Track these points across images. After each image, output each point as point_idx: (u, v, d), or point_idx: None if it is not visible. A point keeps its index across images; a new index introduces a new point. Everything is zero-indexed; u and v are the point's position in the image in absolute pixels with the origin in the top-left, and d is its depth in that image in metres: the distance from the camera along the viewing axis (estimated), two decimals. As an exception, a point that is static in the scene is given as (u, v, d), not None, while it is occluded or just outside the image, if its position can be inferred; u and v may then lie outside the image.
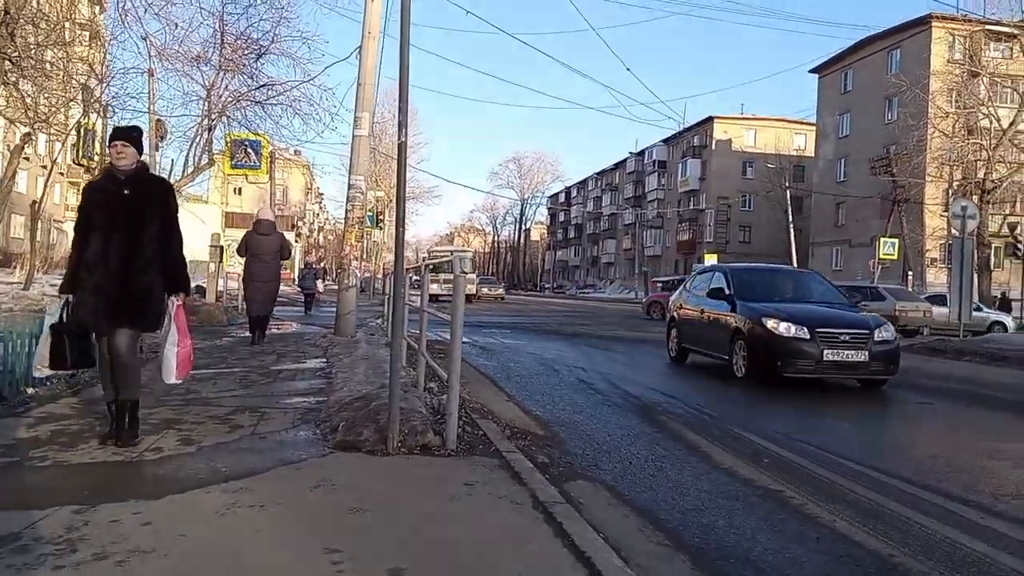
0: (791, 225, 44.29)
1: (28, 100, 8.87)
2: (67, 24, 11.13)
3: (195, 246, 38.10)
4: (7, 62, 7.20)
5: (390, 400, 4.77)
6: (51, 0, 9.06)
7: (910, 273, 36.46)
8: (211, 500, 3.66)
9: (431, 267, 9.15)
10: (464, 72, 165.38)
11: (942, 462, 5.67)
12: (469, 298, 26.01)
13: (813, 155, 53.46)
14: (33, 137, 14.82)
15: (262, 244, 11.13)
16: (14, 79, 7.80)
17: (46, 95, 10.51)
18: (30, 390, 6.22)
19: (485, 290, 41.10)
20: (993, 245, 33.65)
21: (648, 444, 5.84)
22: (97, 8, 20.77)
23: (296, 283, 36.38)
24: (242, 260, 11.87)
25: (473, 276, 29.50)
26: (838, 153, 48.47)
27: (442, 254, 27.14)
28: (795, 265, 43.60)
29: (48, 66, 8.87)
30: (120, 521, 3.28)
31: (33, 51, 7.90)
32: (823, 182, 49.38)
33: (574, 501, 3.98)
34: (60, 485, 3.82)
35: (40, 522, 3.23)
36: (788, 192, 44.89)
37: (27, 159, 19.43)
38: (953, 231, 19.37)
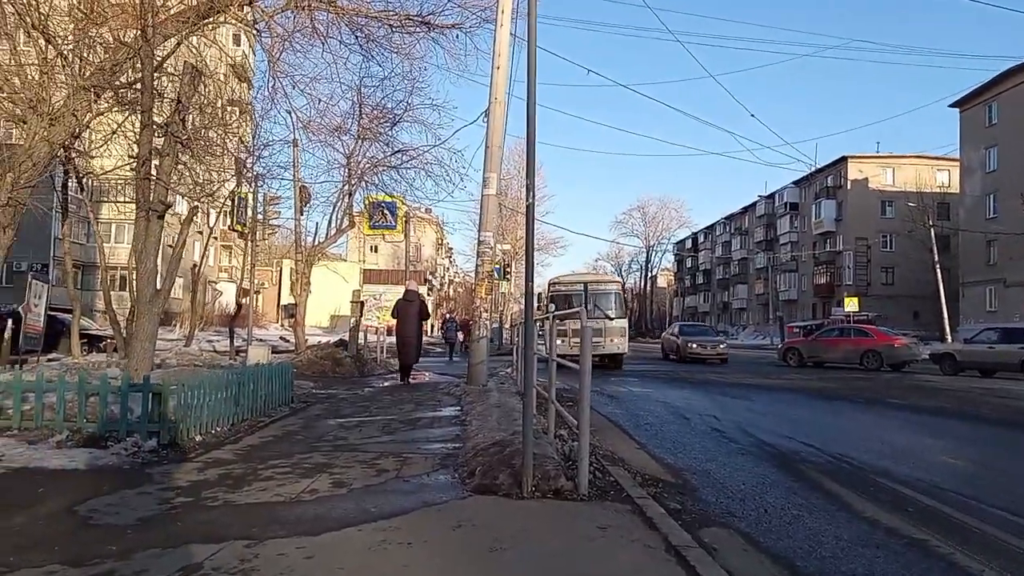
0: (937, 265, 41.93)
1: (196, 178, 9.84)
2: (223, 105, 12.29)
3: (339, 302, 39.94)
4: (179, 145, 8.07)
5: (524, 446, 4.98)
6: (209, 82, 10.06)
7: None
8: (363, 537, 3.97)
9: (557, 316, 9.51)
10: (587, 124, 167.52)
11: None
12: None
13: (958, 191, 50.60)
14: (201, 210, 16.30)
15: (409, 308, 14.54)
16: (185, 159, 8.70)
17: (210, 171, 11.61)
18: (198, 437, 6.84)
19: (695, 347, 26.93)
20: None
21: (784, 493, 5.77)
22: (246, 85, 22.62)
23: (442, 332, 39.14)
24: (392, 320, 15.50)
25: (621, 324, 21.38)
26: (986, 188, 45.69)
27: (570, 285, 21.93)
28: (944, 305, 41.20)
29: (211, 146, 9.82)
30: (285, 554, 3.62)
31: (201, 133, 8.81)
32: (971, 219, 46.58)
33: (707, 547, 4.04)
34: (231, 522, 4.24)
35: (217, 554, 3.62)
36: (933, 231, 42.61)
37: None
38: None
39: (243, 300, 24.28)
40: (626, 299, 22.10)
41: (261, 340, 25.09)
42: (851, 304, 46.19)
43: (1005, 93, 42.41)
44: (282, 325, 46.45)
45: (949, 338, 38.77)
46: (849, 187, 60.18)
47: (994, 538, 4.54)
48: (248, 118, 19.57)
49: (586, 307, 17.72)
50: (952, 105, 48.42)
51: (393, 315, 14.97)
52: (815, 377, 19.79)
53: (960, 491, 5.88)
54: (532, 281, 5.09)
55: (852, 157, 59.92)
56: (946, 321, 40.83)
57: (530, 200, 4.86)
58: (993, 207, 44.90)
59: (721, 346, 27.24)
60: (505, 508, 4.64)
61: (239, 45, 33.11)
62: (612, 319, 20.61)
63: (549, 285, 22.00)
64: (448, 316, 38.58)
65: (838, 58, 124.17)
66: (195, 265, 23.59)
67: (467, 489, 5.11)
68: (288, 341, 29.42)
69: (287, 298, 53.09)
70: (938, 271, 42.06)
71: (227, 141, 13.50)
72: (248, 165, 19.03)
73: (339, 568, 3.46)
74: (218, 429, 7.26)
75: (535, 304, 17.18)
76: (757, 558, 4.08)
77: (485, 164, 13.37)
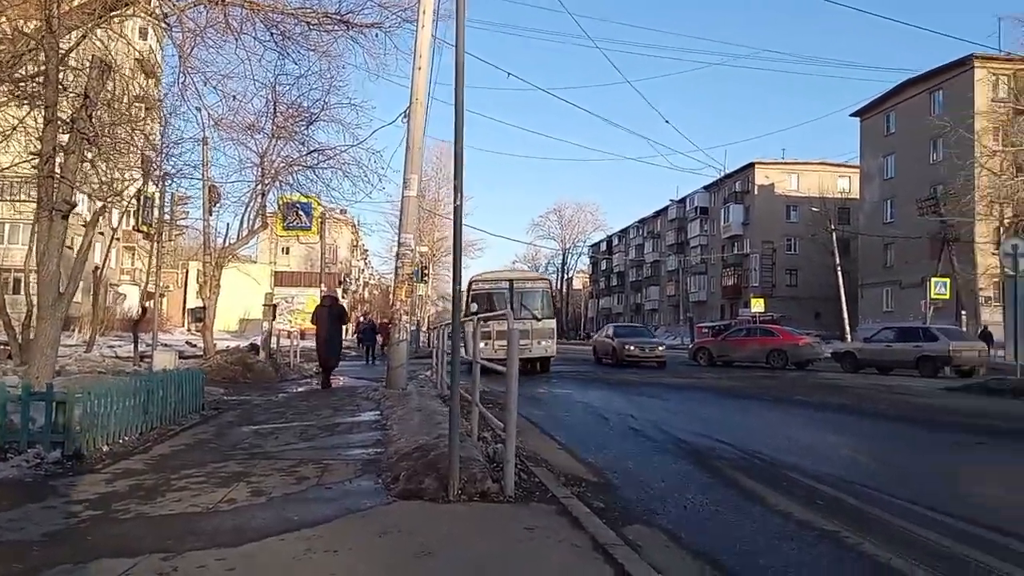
0: (838, 267, 43.81)
1: (103, 176, 9.41)
2: (131, 101, 11.81)
3: (249, 305, 38.86)
4: (85, 142, 7.70)
5: (450, 450, 4.96)
6: (116, 77, 9.61)
7: (963, 313, 35.74)
8: (286, 547, 3.87)
9: (482, 317, 9.59)
10: (507, 128, 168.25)
11: (992, 496, 5.64)
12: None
13: (858, 197, 53.04)
14: (107, 210, 15.65)
15: (327, 313, 15.09)
16: (91, 157, 8.31)
17: (117, 169, 11.14)
18: (105, 447, 6.54)
19: (633, 349, 24.94)
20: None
21: (701, 489, 5.91)
22: (153, 81, 21.80)
23: (358, 336, 38.65)
24: (311, 324, 16.29)
25: (549, 325, 19.90)
26: (884, 195, 48.03)
27: (494, 283, 20.38)
28: (844, 307, 43.07)
29: (119, 143, 9.42)
30: (206, 567, 3.50)
31: (108, 130, 8.43)
32: (870, 224, 48.87)
33: (632, 544, 4.10)
34: (145, 535, 4.07)
35: (133, 569, 3.47)
36: (834, 235, 44.50)
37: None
38: (1006, 270, 19.05)
39: (147, 304, 23.40)
40: (554, 298, 19.96)
41: (166, 345, 24.20)
42: (757, 305, 47.74)
43: (902, 104, 44.67)
44: (188, 330, 44.91)
45: (849, 337, 40.52)
46: (756, 192, 62.28)
47: (899, 528, 4.76)
48: (156, 115, 18.88)
49: (512, 307, 16.80)
50: (853, 114, 50.72)
51: (312, 321, 15.63)
52: (724, 376, 20.38)
53: (865, 484, 6.14)
54: (459, 284, 5.07)
55: (759, 163, 62.02)
56: (846, 321, 42.69)
57: (457, 202, 4.85)
58: (890, 212, 47.22)
59: (660, 348, 25.68)
60: (431, 513, 4.60)
61: (146, 39, 31.89)
62: (540, 319, 19.24)
63: (471, 283, 19.57)
64: (364, 319, 38.19)
65: (747, 67, 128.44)
66: (97, 268, 22.58)
67: (391, 495, 5.05)
68: (195, 346, 28.49)
69: (193, 301, 51.41)
70: (839, 273, 43.94)
71: (134, 138, 13.00)
72: (156, 163, 18.34)
73: (263, 578, 3.37)
74: (126, 438, 6.97)
75: (466, 299, 15.62)
76: (679, 554, 4.16)
77: (406, 165, 13.26)
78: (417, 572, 3.47)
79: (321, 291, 26.71)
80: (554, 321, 19.71)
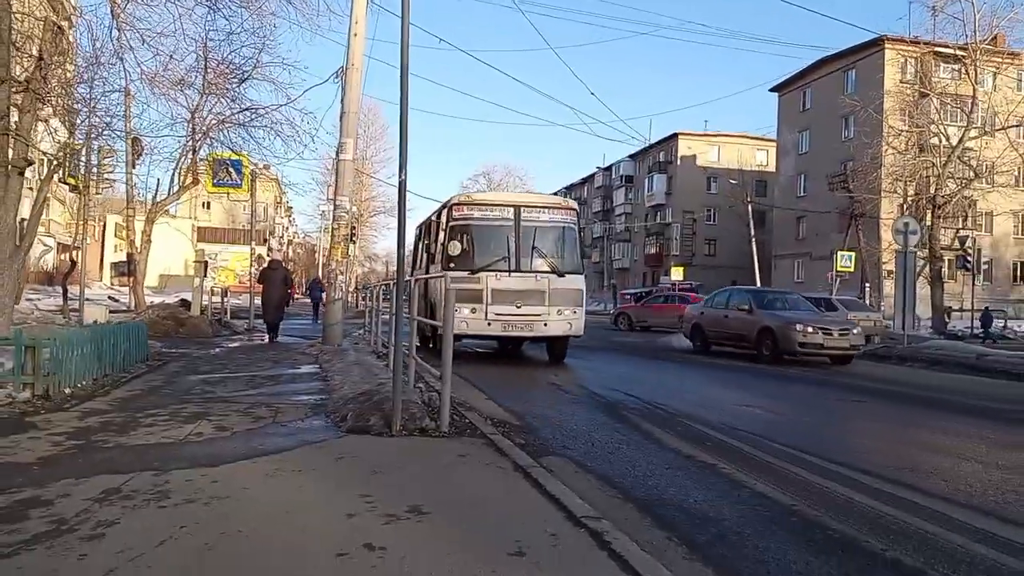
0: (753, 239, 45.78)
1: (54, 135, 9.66)
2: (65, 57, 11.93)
3: (173, 260, 38.38)
4: (39, 102, 8.03)
5: (393, 391, 5.73)
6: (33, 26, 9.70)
7: (867, 285, 37.97)
8: (258, 467, 4.60)
9: (419, 279, 10.20)
10: (437, 89, 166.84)
11: (854, 443, 6.74)
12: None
13: (775, 171, 55.25)
14: (62, 166, 15.87)
15: (272, 276, 16.59)
16: (45, 117, 8.61)
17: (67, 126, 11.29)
18: (67, 390, 7.06)
19: (814, 334, 15.05)
20: (946, 258, 35.36)
21: (608, 431, 6.85)
22: (67, 24, 21.28)
23: (307, 294, 39.23)
24: (259, 284, 17.68)
25: (574, 284, 12.71)
26: (798, 169, 50.21)
27: (490, 209, 12.87)
28: (757, 276, 45.12)
29: (74, 102, 9.66)
30: (193, 480, 4.20)
31: (63, 89, 8.71)
32: (784, 197, 51.10)
33: (547, 468, 4.95)
34: (131, 459, 4.72)
35: (130, 481, 4.14)
36: (751, 207, 46.41)
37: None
38: (896, 246, 20.68)
39: (74, 257, 23.21)
40: (582, 240, 13.52)
41: (89, 299, 24.04)
42: (677, 273, 49.61)
43: (817, 81, 46.54)
44: (110, 284, 44.05)
45: (762, 306, 42.61)
46: (679, 163, 64.03)
47: (768, 463, 5.76)
48: (70, 62, 18.58)
49: (515, 251, 12.22)
50: (772, 89, 52.59)
51: (259, 281, 17.63)
52: (641, 340, 21.61)
53: (749, 431, 7.16)
54: (403, 248, 5.80)
55: (682, 134, 63.67)
56: (759, 290, 44.64)
57: (402, 177, 5.55)
58: (804, 186, 49.45)
59: (854, 332, 15.55)
60: (378, 444, 5.38)
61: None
62: (561, 273, 12.36)
63: (450, 210, 12.67)
64: (315, 278, 38.43)
65: (673, 39, 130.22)
66: (23, 220, 22.26)
67: (342, 431, 5.80)
68: (118, 300, 28.27)
69: (112, 255, 50.25)
70: (754, 244, 45.94)
71: (73, 93, 13.08)
72: (85, 115, 18.22)
73: (244, 488, 4.09)
74: (84, 383, 7.48)
75: (429, 239, 14.01)
76: (585, 477, 5.05)
77: (341, 130, 13.73)
78: (371, 484, 4.24)
79: (251, 248, 26.86)
80: (582, 278, 12.90)
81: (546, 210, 13.02)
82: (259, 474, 4.44)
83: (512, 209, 12.69)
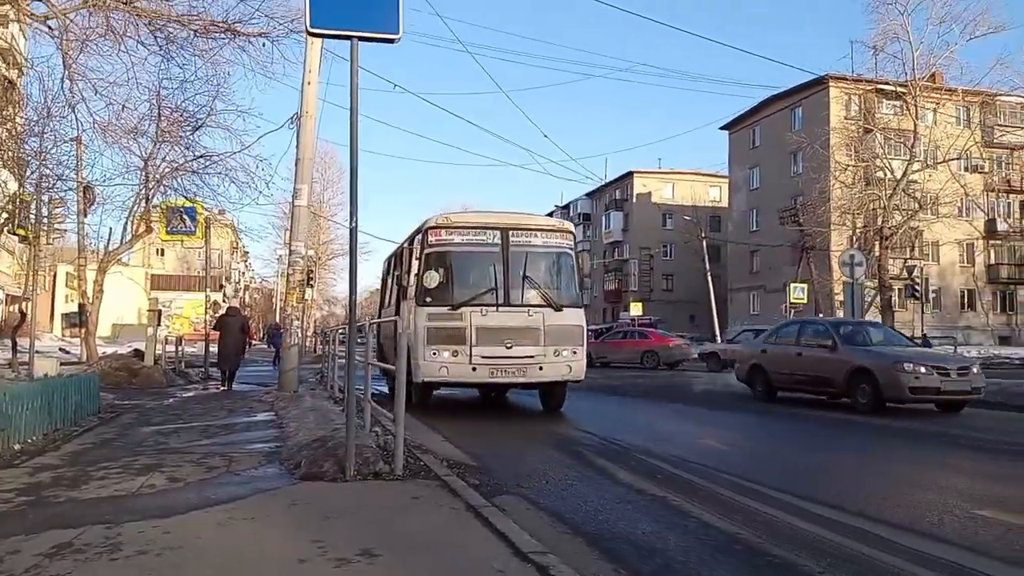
0: (708, 273, 46.56)
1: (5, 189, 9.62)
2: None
3: (126, 309, 37.74)
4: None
5: (347, 436, 5.79)
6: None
7: (820, 315, 38.78)
8: (210, 517, 4.62)
9: (374, 324, 10.20)
10: (390, 131, 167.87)
11: (790, 470, 6.94)
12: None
13: (728, 206, 56.43)
14: (12, 218, 15.79)
15: (230, 323, 16.48)
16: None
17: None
18: (17, 446, 6.98)
19: (931, 375, 12.01)
20: (895, 287, 36.35)
21: (562, 468, 6.96)
22: (16, 72, 21.14)
23: (264, 339, 39.02)
24: (216, 331, 17.39)
25: (573, 320, 11.16)
26: (750, 204, 51.40)
27: (474, 232, 11.16)
28: (714, 310, 45.79)
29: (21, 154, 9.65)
30: (145, 532, 4.22)
31: (13, 142, 8.72)
32: (738, 232, 52.18)
33: (499, 507, 5.04)
34: (82, 513, 4.71)
35: (82, 535, 4.15)
36: (705, 242, 47.27)
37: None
38: (844, 277, 21.29)
39: (24, 309, 22.77)
40: (581, 269, 11.86)
41: (39, 352, 23.53)
42: (636, 308, 50.09)
43: (766, 119, 47.90)
44: (61, 335, 43.14)
45: (719, 339, 43.26)
46: (635, 200, 65.07)
47: (716, 493, 5.92)
48: (19, 108, 18.46)
49: (503, 281, 10.68)
50: (722, 128, 53.98)
51: (215, 328, 17.51)
52: (601, 376, 21.75)
53: (703, 463, 7.33)
54: (355, 294, 5.91)
55: (637, 172, 64.81)
56: (716, 323, 45.39)
57: (353, 224, 5.68)
58: (756, 221, 50.60)
59: (974, 371, 12.57)
60: (332, 489, 5.43)
61: (6, 27, 30.61)
62: (556, 307, 10.84)
63: (425, 234, 11.00)
64: (275, 324, 38.15)
65: (626, 80, 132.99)
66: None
67: (295, 477, 5.83)
68: (69, 352, 27.74)
69: (63, 306, 49.25)
70: (709, 279, 46.70)
71: (17, 144, 13.06)
72: (35, 166, 18.07)
73: (196, 538, 4.12)
74: (34, 438, 7.40)
75: (401, 270, 11.91)
76: (537, 514, 5.15)
77: (296, 176, 13.82)
78: (323, 528, 4.29)
79: (207, 295, 26.65)
80: (582, 313, 11.55)
81: (539, 233, 11.20)
82: (212, 523, 4.46)
83: (499, 232, 10.88)
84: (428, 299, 10.53)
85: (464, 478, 6.04)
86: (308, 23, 5.44)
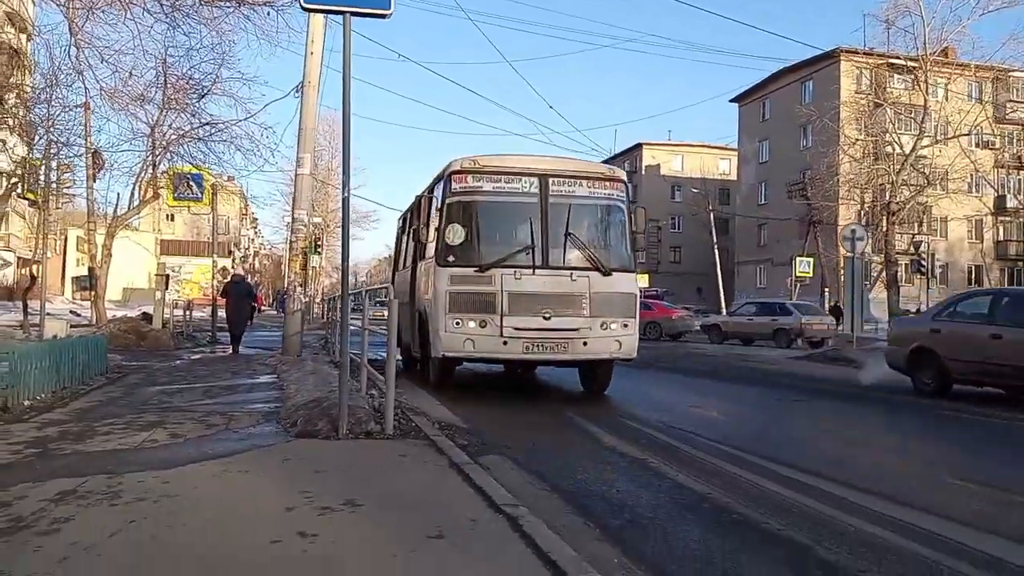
0: (715, 246, 46.59)
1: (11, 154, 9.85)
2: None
3: (136, 273, 38.02)
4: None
5: (340, 397, 6.04)
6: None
7: (826, 290, 38.86)
8: (207, 469, 4.89)
9: (370, 290, 10.43)
10: (393, 99, 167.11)
11: (776, 438, 7.17)
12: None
13: (736, 179, 56.29)
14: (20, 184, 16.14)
15: (236, 289, 17.11)
16: (1, 137, 8.81)
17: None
18: (26, 402, 7.27)
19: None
20: (901, 262, 36.36)
21: (551, 433, 7.21)
22: (24, 37, 21.26)
23: (273, 305, 39.24)
24: (223, 298, 18.03)
25: (624, 286, 9.47)
26: (759, 177, 51.27)
27: (507, 178, 9.39)
28: (720, 283, 45.89)
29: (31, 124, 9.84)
30: (144, 482, 4.48)
31: (22, 107, 8.92)
32: (746, 205, 52.12)
33: (483, 465, 5.29)
34: (86, 464, 4.98)
35: (84, 483, 4.41)
36: (712, 215, 47.25)
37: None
38: (845, 252, 21.38)
39: (35, 272, 23.14)
40: (632, 224, 9.84)
41: (49, 314, 23.90)
42: (643, 280, 50.26)
43: (776, 92, 47.63)
44: (72, 298, 43.63)
45: (724, 311, 43.45)
46: (643, 172, 64.88)
47: (694, 456, 6.16)
48: (27, 74, 18.61)
49: (544, 238, 9.13)
50: (732, 100, 53.69)
51: (222, 294, 18.27)
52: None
53: (682, 427, 7.57)
54: (348, 260, 6.13)
55: (646, 144, 64.59)
56: (722, 296, 45.52)
57: (345, 194, 5.88)
58: (764, 194, 50.50)
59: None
60: (324, 446, 5.69)
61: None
62: (605, 271, 9.27)
63: (448, 178, 9.46)
64: (283, 289, 38.59)
65: (635, 51, 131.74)
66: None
67: (291, 435, 6.09)
68: (80, 315, 28.10)
69: (74, 269, 49.73)
70: (716, 251, 46.76)
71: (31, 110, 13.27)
72: (43, 130, 18.29)
73: (193, 487, 4.38)
74: (43, 395, 7.68)
75: (419, 222, 9.99)
76: (519, 473, 5.39)
77: (299, 145, 13.97)
78: (312, 481, 4.55)
79: (214, 261, 26.90)
80: (634, 278, 10.05)
81: (584, 181, 9.47)
82: (207, 475, 4.73)
83: (537, 180, 9.24)
84: (451, 258, 9.03)
85: (453, 438, 6.28)
86: (303, -1, 5.60)
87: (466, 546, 3.46)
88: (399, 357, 10.74)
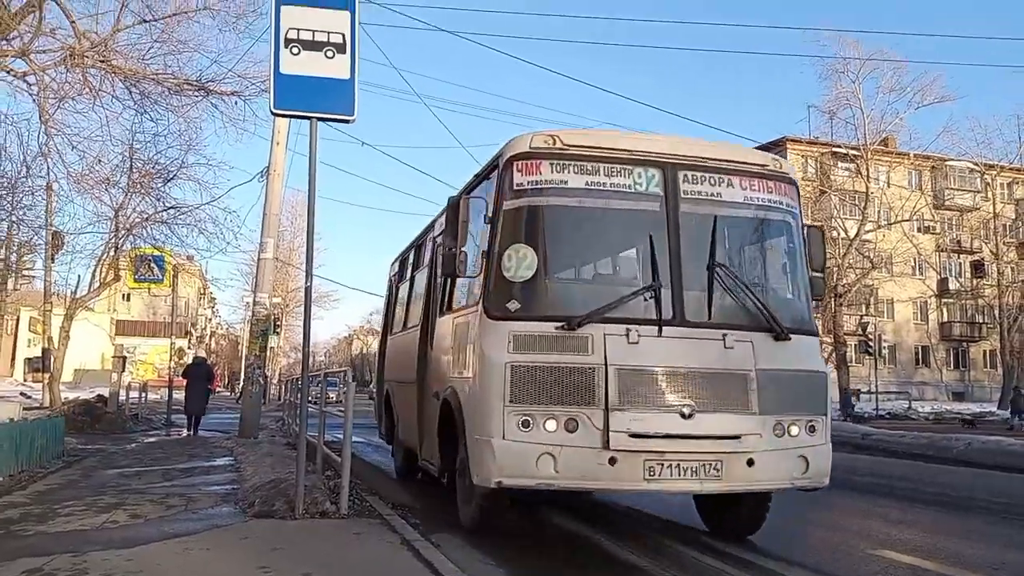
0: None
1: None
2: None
3: (88, 354, 37.57)
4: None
5: (296, 477, 6.32)
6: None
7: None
8: (169, 547, 5.13)
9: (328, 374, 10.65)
10: (362, 183, 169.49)
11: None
12: None
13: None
14: None
15: (197, 371, 17.27)
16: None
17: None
18: (-15, 486, 7.39)
19: None
20: (850, 343, 37.49)
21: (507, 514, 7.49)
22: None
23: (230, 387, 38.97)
24: (183, 379, 18.04)
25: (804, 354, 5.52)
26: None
27: (610, 168, 5.40)
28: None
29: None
30: (109, 560, 4.72)
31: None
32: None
33: (434, 543, 5.57)
34: (51, 544, 5.17)
35: (51, 562, 4.63)
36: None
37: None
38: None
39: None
40: (809, 249, 5.97)
41: (0, 396, 23.52)
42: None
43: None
44: (23, 380, 42.75)
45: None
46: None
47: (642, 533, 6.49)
48: None
49: (673, 269, 5.50)
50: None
51: (183, 375, 18.52)
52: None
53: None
54: (308, 345, 6.49)
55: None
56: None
57: (308, 284, 6.30)
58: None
59: None
60: (281, 526, 5.94)
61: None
62: (779, 334, 5.56)
63: (508, 169, 5.65)
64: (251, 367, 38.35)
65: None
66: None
67: (249, 515, 6.33)
68: (31, 397, 27.65)
69: (25, 350, 48.86)
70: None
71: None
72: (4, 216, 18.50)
73: (156, 564, 4.63)
74: (1, 479, 7.79)
75: (447, 248, 5.52)
76: (470, 550, 5.69)
77: (263, 230, 14.43)
78: (270, 557, 4.81)
79: (172, 342, 26.89)
80: (818, 344, 6.57)
81: (737, 178, 5.89)
82: (170, 552, 4.97)
83: (659, 173, 5.70)
84: (513, 305, 5.49)
85: (406, 518, 6.56)
86: (272, 104, 6.15)
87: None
88: (395, 460, 9.89)
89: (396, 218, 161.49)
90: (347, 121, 6.31)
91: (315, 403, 10.34)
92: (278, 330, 45.14)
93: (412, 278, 9.42)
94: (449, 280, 6.43)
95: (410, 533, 5.64)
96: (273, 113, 6.54)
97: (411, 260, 9.58)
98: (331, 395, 18.14)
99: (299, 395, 8.98)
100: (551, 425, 5.12)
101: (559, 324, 5.23)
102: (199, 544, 5.21)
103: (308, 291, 6.37)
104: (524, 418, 5.13)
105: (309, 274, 6.29)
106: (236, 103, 15.67)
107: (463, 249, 5.53)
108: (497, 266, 5.49)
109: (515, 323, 5.34)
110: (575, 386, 5.14)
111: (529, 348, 5.23)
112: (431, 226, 8.38)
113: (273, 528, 5.83)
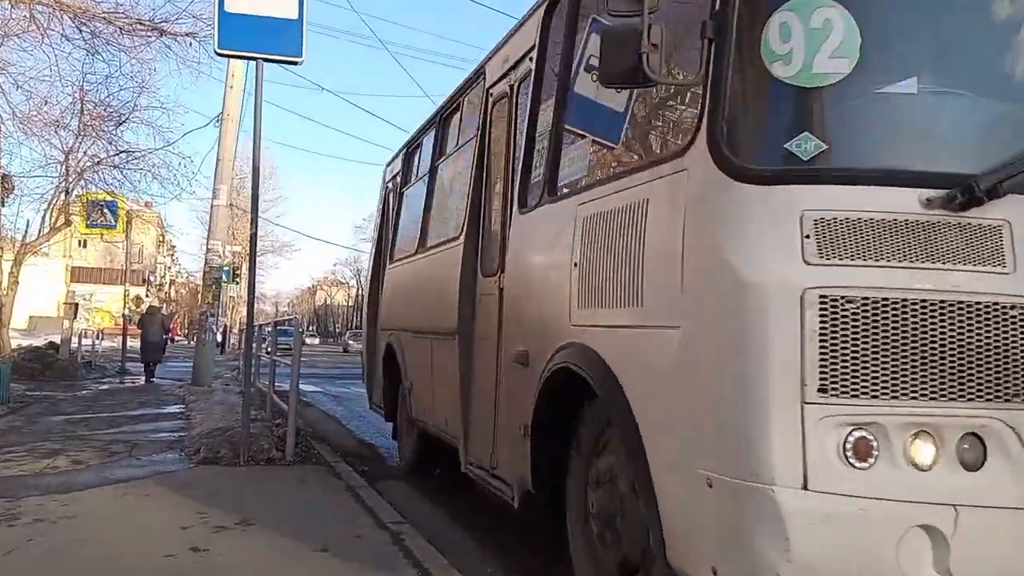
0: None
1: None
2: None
3: (47, 302, 36.97)
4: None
5: (243, 425, 6.29)
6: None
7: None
8: (107, 493, 5.08)
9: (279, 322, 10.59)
10: (325, 133, 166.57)
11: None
12: None
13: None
14: None
15: (151, 319, 17.47)
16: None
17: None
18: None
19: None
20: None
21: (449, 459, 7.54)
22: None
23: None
24: (138, 328, 18.28)
25: None
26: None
27: None
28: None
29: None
30: (43, 505, 4.66)
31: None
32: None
33: (377, 488, 5.60)
34: (-15, 489, 5.10)
35: (-17, 507, 4.56)
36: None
37: None
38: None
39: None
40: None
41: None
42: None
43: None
44: (-27, 326, 41.78)
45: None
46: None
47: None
48: None
49: None
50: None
51: (138, 325, 18.65)
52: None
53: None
54: (253, 295, 6.41)
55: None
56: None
57: (253, 231, 6.18)
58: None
59: None
60: (225, 472, 5.92)
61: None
62: None
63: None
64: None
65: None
66: None
67: (193, 463, 6.29)
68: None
69: (-24, 296, 47.75)
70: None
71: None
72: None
73: (92, 509, 4.58)
74: (-58, 424, 7.66)
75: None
76: (415, 495, 5.73)
77: (216, 176, 14.10)
78: (209, 503, 4.79)
79: (126, 290, 26.48)
80: None
81: None
82: (108, 498, 4.92)
83: None
84: (806, 141, 2.23)
85: (353, 465, 6.57)
86: (216, 44, 5.94)
87: (349, 558, 3.78)
88: (400, 445, 7.35)
89: (359, 168, 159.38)
90: (294, 62, 6.13)
91: (269, 353, 10.30)
92: (238, 279, 44.61)
93: (434, 169, 6.13)
94: (561, 134, 3.47)
95: (355, 480, 5.65)
96: (217, 53, 6.32)
97: (436, 139, 6.13)
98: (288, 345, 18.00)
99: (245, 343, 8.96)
100: (924, 452, 2.10)
101: (933, 194, 2.15)
102: (138, 490, 5.17)
103: (253, 237, 6.26)
104: (858, 433, 2.08)
105: (254, 221, 6.17)
106: (191, 44, 15.16)
107: (546, 171, 3.29)
108: (751, 49, 2.33)
109: (812, 189, 2.22)
110: (978, 353, 2.10)
111: (859, 254, 2.14)
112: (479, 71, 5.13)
113: (216, 475, 5.80)
